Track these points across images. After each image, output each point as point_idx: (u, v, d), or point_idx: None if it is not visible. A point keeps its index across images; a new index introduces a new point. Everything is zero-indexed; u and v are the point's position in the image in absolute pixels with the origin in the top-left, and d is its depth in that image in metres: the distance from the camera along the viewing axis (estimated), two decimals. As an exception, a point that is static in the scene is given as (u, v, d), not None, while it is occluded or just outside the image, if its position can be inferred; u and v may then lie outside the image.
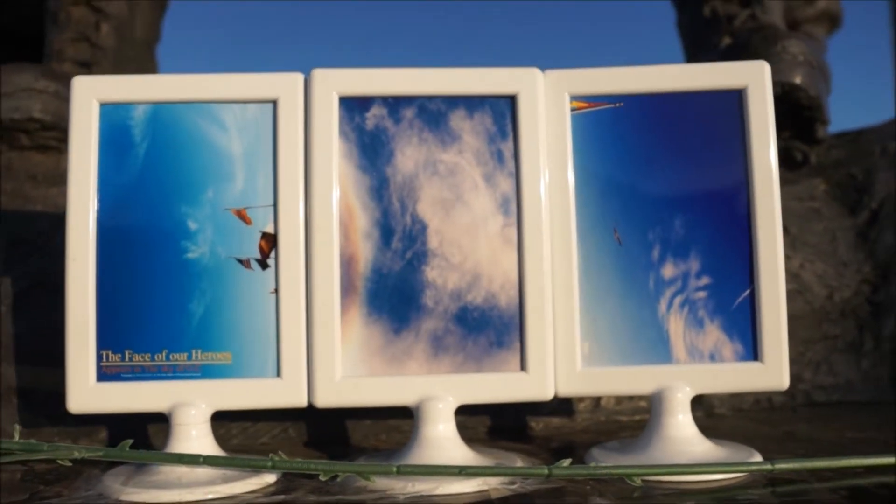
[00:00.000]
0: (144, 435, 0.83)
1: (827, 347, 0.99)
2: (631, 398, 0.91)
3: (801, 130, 1.07)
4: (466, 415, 0.84)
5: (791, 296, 0.95)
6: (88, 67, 1.16)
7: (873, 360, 0.99)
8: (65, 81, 1.07)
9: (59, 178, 1.04)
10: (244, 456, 0.67)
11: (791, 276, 0.98)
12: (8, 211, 0.96)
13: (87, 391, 0.68)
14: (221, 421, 0.83)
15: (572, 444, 0.82)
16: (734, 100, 0.73)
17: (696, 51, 1.24)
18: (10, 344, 0.87)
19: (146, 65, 1.32)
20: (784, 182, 0.87)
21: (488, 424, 0.88)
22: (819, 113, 1.05)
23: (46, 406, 0.84)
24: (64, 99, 1.06)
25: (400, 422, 0.86)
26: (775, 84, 0.80)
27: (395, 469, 0.62)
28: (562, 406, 0.89)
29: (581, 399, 0.90)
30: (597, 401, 0.91)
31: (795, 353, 0.95)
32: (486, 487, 0.64)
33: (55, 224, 0.94)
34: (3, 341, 0.87)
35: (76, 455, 0.65)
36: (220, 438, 0.71)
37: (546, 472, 0.62)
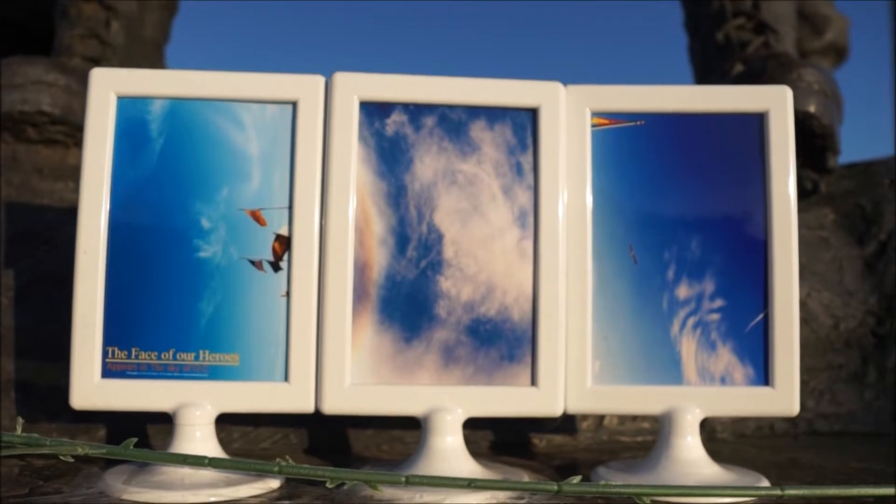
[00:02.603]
0: (144, 435, 0.82)
1: (831, 377, 0.98)
2: (634, 419, 0.91)
3: (812, 159, 1.06)
4: (469, 429, 0.83)
5: (797, 323, 0.95)
6: (97, 64, 1.15)
7: (876, 391, 0.98)
8: (75, 76, 1.07)
9: (65, 173, 1.03)
10: (249, 460, 0.66)
11: (798, 303, 0.98)
12: (14, 204, 0.95)
13: (91, 387, 0.67)
14: (222, 424, 0.82)
15: (575, 462, 0.81)
16: (755, 123, 0.73)
17: (707, 77, 1.24)
18: (12, 337, 0.86)
19: (155, 65, 1.31)
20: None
21: (491, 439, 0.87)
22: (831, 142, 1.04)
23: (46, 401, 0.83)
24: (74, 93, 1.05)
25: (403, 432, 0.85)
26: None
27: (403, 479, 0.61)
28: (565, 424, 0.89)
29: (584, 418, 0.90)
30: (600, 420, 0.90)
31: (799, 381, 0.94)
32: (493, 501, 0.64)
33: (61, 218, 0.93)
34: (3, 334, 0.85)
35: (79, 451, 0.63)
36: (221, 441, 0.70)
37: (556, 488, 0.61)
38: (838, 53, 1.56)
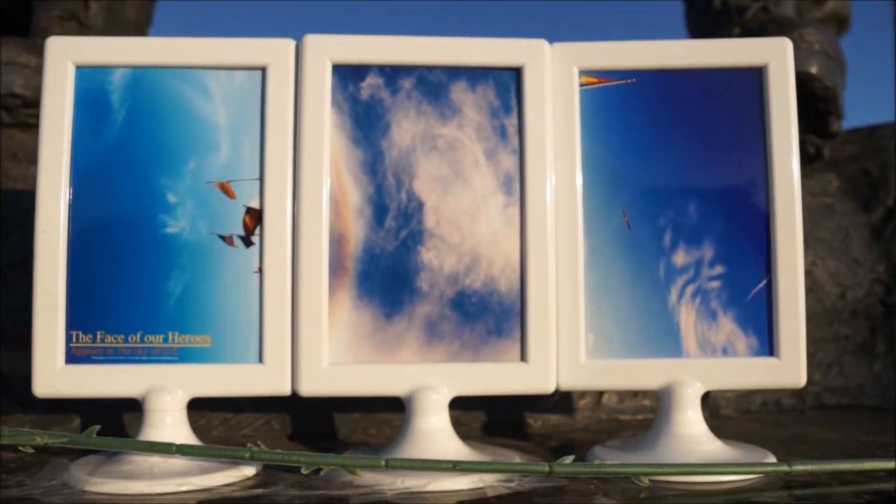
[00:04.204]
0: (120, 423, 0.78)
1: (838, 348, 0.95)
2: (634, 396, 0.87)
3: (815, 123, 1.03)
4: (461, 409, 0.80)
5: (802, 294, 0.91)
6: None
7: (885, 363, 0.95)
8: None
9: (39, 157, 0.99)
10: (219, 446, 0.62)
11: (803, 273, 0.94)
12: (-14, 188, 0.92)
13: (54, 374, 0.64)
14: (202, 411, 0.79)
15: (572, 443, 0.77)
16: (754, 78, 0.68)
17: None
18: (-18, 325, 0.82)
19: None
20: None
21: (483, 420, 0.83)
22: (834, 105, 1.00)
23: (20, 392, 0.79)
24: (47, 74, 1.01)
25: (391, 415, 0.82)
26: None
27: (383, 463, 0.58)
28: (561, 403, 0.85)
29: (582, 396, 0.86)
30: (598, 398, 0.86)
31: (806, 354, 0.91)
32: (481, 485, 0.60)
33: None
34: (-26, 323, 0.82)
35: (38, 441, 0.60)
36: (200, 429, 0.67)
37: (546, 469, 0.57)
38: (840, 23, 1.51)
